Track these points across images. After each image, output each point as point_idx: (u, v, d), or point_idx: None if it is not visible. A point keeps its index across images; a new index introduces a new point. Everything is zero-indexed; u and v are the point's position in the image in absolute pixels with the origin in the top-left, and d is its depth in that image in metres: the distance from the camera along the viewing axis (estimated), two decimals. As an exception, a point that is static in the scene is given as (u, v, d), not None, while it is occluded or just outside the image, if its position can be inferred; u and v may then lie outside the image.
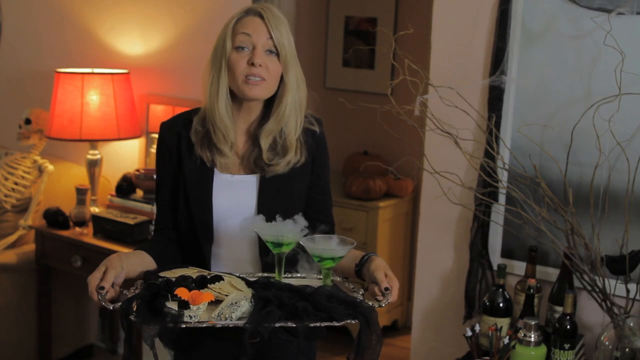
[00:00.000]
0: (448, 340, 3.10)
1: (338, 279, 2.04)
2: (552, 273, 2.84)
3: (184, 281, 1.87)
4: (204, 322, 1.78)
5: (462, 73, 2.96)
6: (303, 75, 2.14)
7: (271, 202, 2.11)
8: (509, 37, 2.84)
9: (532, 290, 2.67)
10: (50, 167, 4.05)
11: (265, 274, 2.07)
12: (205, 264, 2.15)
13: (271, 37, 2.02)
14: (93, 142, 3.92)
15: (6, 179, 4.05)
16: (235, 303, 1.80)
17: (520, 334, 2.50)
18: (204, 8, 3.81)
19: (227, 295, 1.86)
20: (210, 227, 2.12)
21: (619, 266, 2.63)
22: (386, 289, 1.88)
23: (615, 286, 2.65)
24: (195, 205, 2.12)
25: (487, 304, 2.74)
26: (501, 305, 2.73)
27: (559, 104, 2.79)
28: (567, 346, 2.57)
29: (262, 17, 2.03)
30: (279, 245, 1.96)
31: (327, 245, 1.94)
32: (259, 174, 2.13)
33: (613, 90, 2.57)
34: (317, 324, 1.78)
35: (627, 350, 2.51)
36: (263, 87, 2.04)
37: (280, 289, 1.89)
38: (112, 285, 1.88)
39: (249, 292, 1.87)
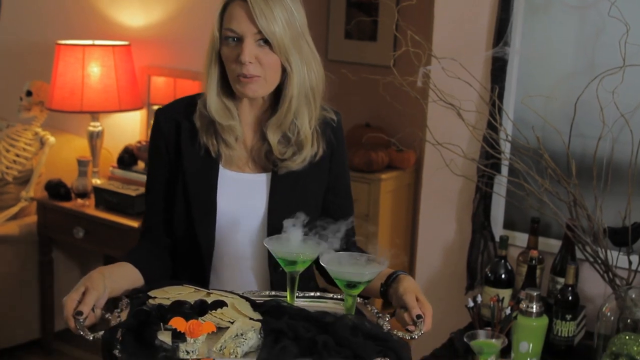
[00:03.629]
0: (450, 311, 3.10)
1: (359, 299, 1.75)
2: (554, 245, 2.84)
3: (179, 307, 1.61)
4: (204, 359, 1.52)
5: (465, 44, 2.94)
6: (315, 54, 1.86)
7: (284, 205, 1.86)
8: (512, 8, 2.81)
9: (534, 262, 2.67)
10: (51, 139, 4.04)
11: (274, 293, 1.82)
12: (203, 276, 1.89)
13: (257, 27, 1.74)
14: (94, 114, 3.92)
15: (7, 150, 4.05)
16: (242, 334, 1.53)
17: (522, 305, 2.50)
18: (205, -21, 3.79)
19: (230, 323, 1.60)
20: (211, 232, 1.87)
21: (621, 238, 2.63)
22: (418, 316, 1.64)
23: (618, 258, 2.65)
24: (197, 205, 1.86)
25: (489, 275, 2.75)
26: (503, 276, 2.73)
27: (562, 75, 2.78)
28: (568, 317, 2.58)
29: (245, 1, 1.75)
30: (292, 263, 1.70)
31: (354, 268, 1.66)
32: (271, 171, 1.89)
33: (617, 62, 2.55)
34: None
35: (628, 321, 2.51)
36: (258, 85, 1.79)
37: (294, 316, 1.61)
38: (93, 309, 1.61)
39: (257, 322, 1.59)
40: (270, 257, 1.85)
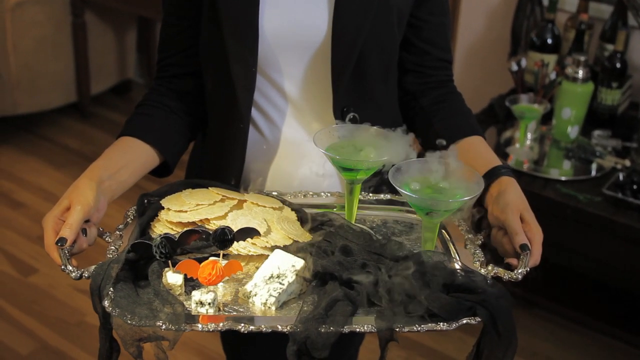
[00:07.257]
0: (491, 77, 3.04)
1: None
2: (606, 10, 2.70)
3: (193, 235, 1.15)
4: (221, 317, 1.07)
5: None
6: None
7: (354, 24, 1.31)
8: None
9: (583, 26, 2.56)
10: None
11: (329, 194, 1.36)
12: (239, 138, 1.38)
13: None
14: None
15: None
16: (277, 277, 1.11)
17: (568, 70, 2.42)
18: None
19: (268, 249, 1.18)
20: (250, 64, 1.33)
21: (678, 2, 2.50)
22: (523, 247, 1.14)
23: (672, 23, 2.53)
24: (229, 25, 1.31)
25: (535, 39, 2.64)
26: (549, 41, 2.62)
27: None
28: (614, 85, 2.50)
29: None
30: (352, 169, 1.21)
31: (443, 194, 1.13)
32: None
33: None
34: (413, 329, 1.05)
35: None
36: None
37: (348, 250, 1.16)
38: (85, 232, 1.17)
39: (300, 257, 1.14)
40: (336, 105, 1.35)
